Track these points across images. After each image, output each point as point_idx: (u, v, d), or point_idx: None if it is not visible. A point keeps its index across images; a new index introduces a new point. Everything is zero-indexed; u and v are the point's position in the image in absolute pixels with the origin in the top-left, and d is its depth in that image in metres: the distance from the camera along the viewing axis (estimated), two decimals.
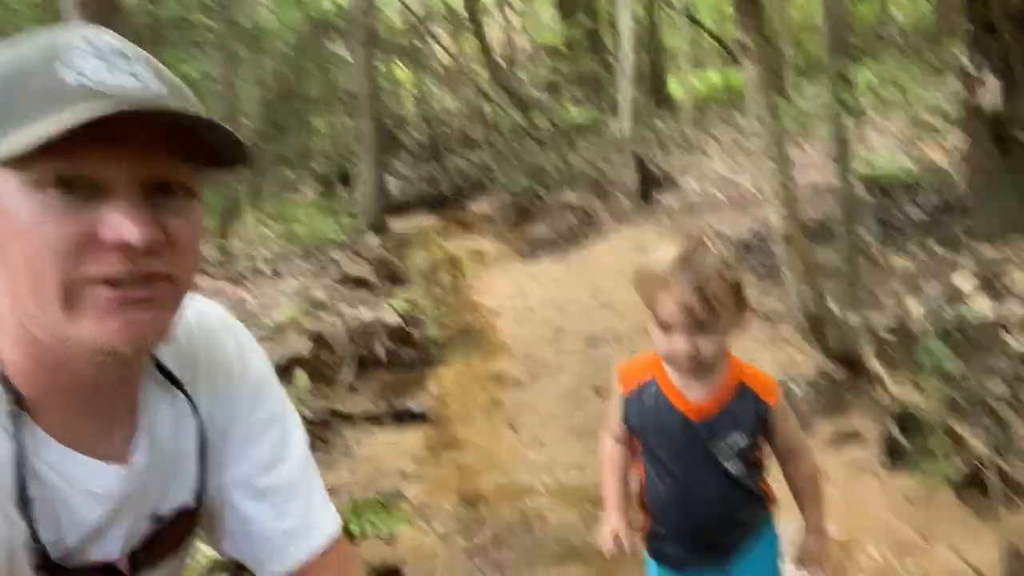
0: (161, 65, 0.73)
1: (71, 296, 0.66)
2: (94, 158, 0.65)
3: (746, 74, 3.05)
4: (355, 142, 10.08)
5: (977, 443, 2.37)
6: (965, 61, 3.50)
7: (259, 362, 0.97)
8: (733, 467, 1.42)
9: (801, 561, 1.51)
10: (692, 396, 1.42)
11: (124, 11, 5.32)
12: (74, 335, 0.68)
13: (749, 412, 1.40)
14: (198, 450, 0.87)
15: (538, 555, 2.76)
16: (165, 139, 0.68)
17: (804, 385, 3.24)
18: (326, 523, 0.96)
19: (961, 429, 2.44)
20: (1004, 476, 2.29)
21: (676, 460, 1.44)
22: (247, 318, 5.11)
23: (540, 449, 3.58)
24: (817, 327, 3.08)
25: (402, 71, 15.39)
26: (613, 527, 1.52)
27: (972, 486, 2.39)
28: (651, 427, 1.46)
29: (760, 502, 1.51)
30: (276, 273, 6.49)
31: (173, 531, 0.87)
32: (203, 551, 2.53)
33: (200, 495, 0.88)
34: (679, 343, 1.31)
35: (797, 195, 3.62)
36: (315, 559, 0.94)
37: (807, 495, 1.51)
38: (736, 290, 1.32)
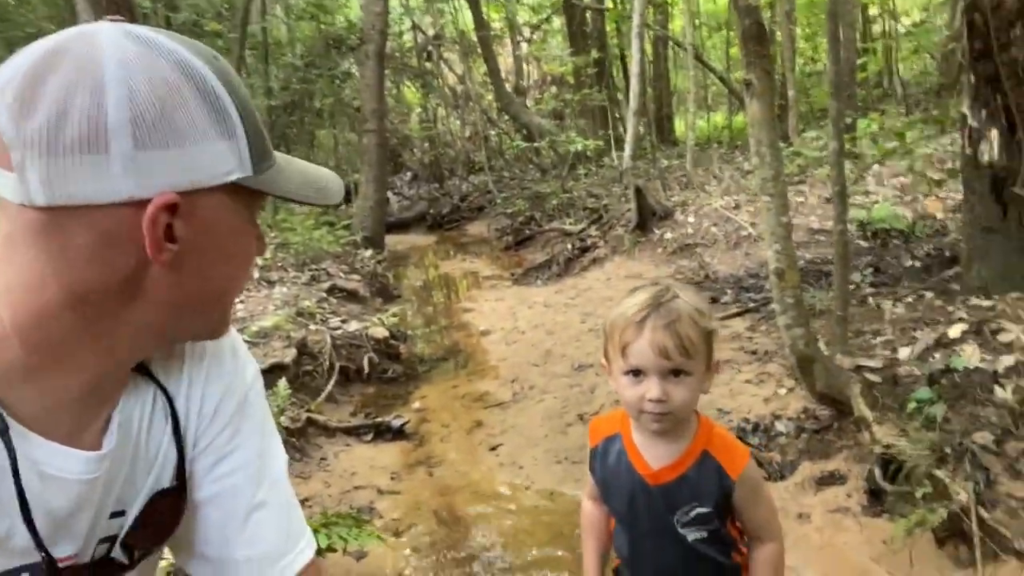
0: None
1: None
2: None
3: (749, 110, 3.06)
4: (358, 158, 10.11)
5: (960, 492, 2.33)
6: (967, 114, 3.53)
7: (253, 376, 0.96)
8: (692, 536, 1.34)
9: None
10: (652, 458, 1.35)
11: (136, 13, 5.35)
12: (223, 323, 0.84)
13: (711, 483, 1.32)
14: (174, 439, 0.87)
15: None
16: None
17: (790, 424, 3.20)
18: (300, 549, 0.94)
19: (945, 476, 2.40)
20: (985, 527, 2.25)
21: (634, 522, 1.39)
22: (232, 323, 5.07)
23: (519, 472, 3.53)
24: (806, 367, 3.05)
25: (410, 92, 15.54)
26: None
27: (953, 535, 2.34)
28: (612, 485, 1.40)
29: (727, 572, 1.40)
30: (267, 282, 6.45)
31: (157, 516, 0.86)
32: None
33: (181, 474, 0.87)
34: (651, 388, 1.25)
35: (793, 236, 3.61)
36: None
37: None
38: (707, 338, 1.28)
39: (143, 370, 0.86)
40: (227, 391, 0.92)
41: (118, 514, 0.84)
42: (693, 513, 1.32)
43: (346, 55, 11.08)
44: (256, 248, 0.83)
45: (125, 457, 0.83)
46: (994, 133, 3.33)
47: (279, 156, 0.82)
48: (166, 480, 0.87)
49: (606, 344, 1.33)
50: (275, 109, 10.13)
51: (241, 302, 5.54)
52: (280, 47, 10.78)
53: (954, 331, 2.94)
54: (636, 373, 1.27)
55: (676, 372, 1.25)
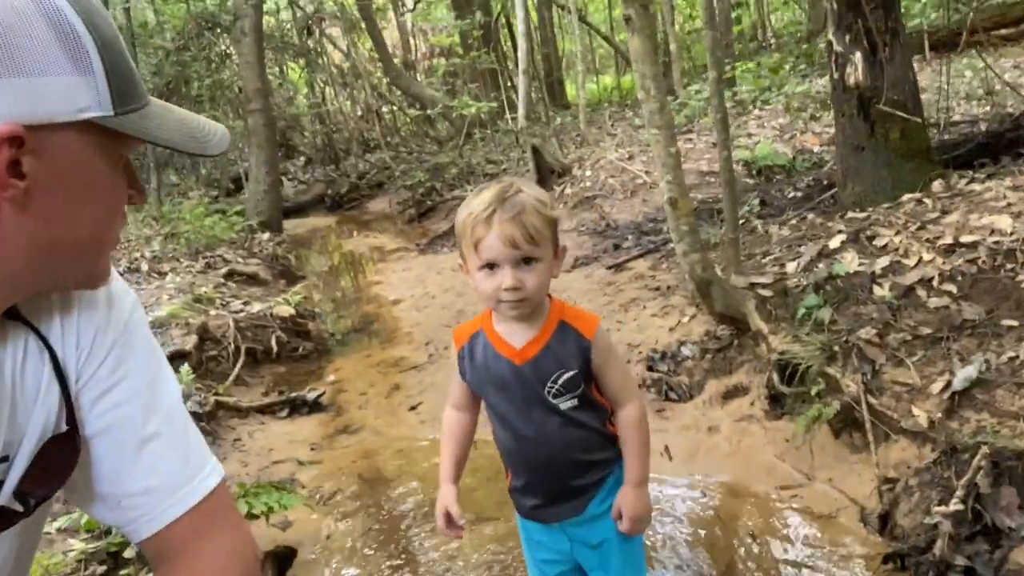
0: None
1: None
2: (137, 145, 0.80)
3: (631, 45, 3.12)
4: (245, 140, 9.71)
5: (850, 384, 2.50)
6: (833, 40, 3.73)
7: (131, 306, 0.94)
8: (566, 406, 1.42)
9: (616, 514, 1.48)
10: (515, 341, 1.43)
11: None
12: (99, 272, 0.84)
13: (571, 348, 1.41)
14: (55, 376, 0.84)
15: (438, 533, 2.70)
16: None
17: (694, 348, 3.33)
18: (203, 476, 0.92)
19: (835, 373, 2.57)
20: (875, 412, 2.43)
21: (510, 407, 1.45)
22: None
23: (440, 426, 3.51)
24: (704, 290, 3.18)
25: (295, 72, 15.00)
26: (443, 503, 1.53)
27: (847, 424, 2.52)
28: (484, 378, 1.47)
29: (608, 443, 1.50)
30: (159, 273, 6.14)
31: (50, 461, 0.84)
32: (73, 544, 2.35)
33: (72, 418, 0.85)
34: (505, 278, 1.33)
35: (685, 179, 3.72)
36: (187, 515, 0.90)
37: (626, 444, 1.48)
38: (551, 225, 1.37)
39: (10, 312, 0.83)
40: (104, 322, 0.90)
41: (2, 460, 0.81)
42: (561, 380, 1.41)
43: (221, 36, 10.57)
44: (127, 196, 0.81)
45: (3, 400, 0.80)
46: (858, 56, 3.55)
47: (157, 103, 0.80)
48: (57, 425, 0.85)
49: (460, 245, 1.40)
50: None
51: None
52: (147, 30, 10.17)
53: (834, 242, 3.14)
54: (490, 266, 1.35)
55: (527, 260, 1.34)
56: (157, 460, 0.89)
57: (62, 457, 0.85)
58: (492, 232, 1.31)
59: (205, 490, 0.92)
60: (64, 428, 0.84)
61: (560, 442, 1.44)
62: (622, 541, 1.50)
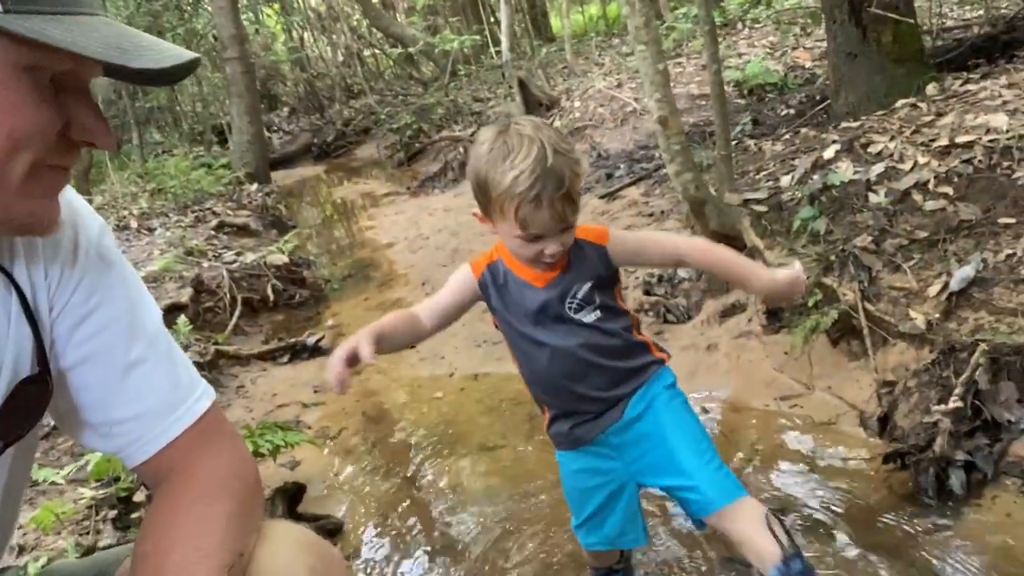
0: None
1: (35, 175, 0.71)
2: (65, 59, 0.69)
3: None
4: (225, 92, 9.49)
5: (847, 292, 2.50)
6: None
7: (99, 232, 0.90)
8: (590, 318, 1.45)
9: (783, 289, 1.47)
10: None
11: None
12: (26, 209, 0.73)
13: (591, 259, 1.44)
14: (23, 311, 0.81)
15: (444, 463, 2.73)
16: None
17: (690, 270, 3.31)
18: (195, 398, 0.91)
19: (832, 282, 2.55)
20: (872, 318, 2.43)
21: (535, 327, 1.46)
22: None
23: (440, 362, 3.54)
24: (698, 209, 3.14)
25: (271, 18, 14.58)
26: (355, 338, 1.34)
27: (844, 333, 2.52)
28: (509, 301, 1.47)
29: (639, 349, 1.51)
30: (148, 229, 6.08)
31: (21, 404, 0.82)
32: (83, 492, 2.37)
33: (44, 360, 0.83)
34: (550, 245, 1.34)
35: (676, 103, 3.63)
36: (181, 439, 0.89)
37: (718, 263, 1.53)
38: (580, 179, 1.38)
39: None
40: (70, 250, 0.86)
41: None
42: (580, 294, 1.44)
43: None
44: (52, 125, 0.70)
45: None
46: None
47: (103, 19, 0.72)
48: (29, 367, 0.83)
49: (487, 205, 1.36)
50: None
51: (124, 250, 5.21)
52: None
53: (828, 153, 3.08)
54: (538, 238, 1.34)
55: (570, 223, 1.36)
56: (143, 385, 0.88)
57: (33, 399, 0.84)
58: (543, 212, 1.30)
59: (197, 412, 0.91)
60: (37, 370, 0.83)
61: (588, 351, 1.45)
62: (671, 401, 1.50)
